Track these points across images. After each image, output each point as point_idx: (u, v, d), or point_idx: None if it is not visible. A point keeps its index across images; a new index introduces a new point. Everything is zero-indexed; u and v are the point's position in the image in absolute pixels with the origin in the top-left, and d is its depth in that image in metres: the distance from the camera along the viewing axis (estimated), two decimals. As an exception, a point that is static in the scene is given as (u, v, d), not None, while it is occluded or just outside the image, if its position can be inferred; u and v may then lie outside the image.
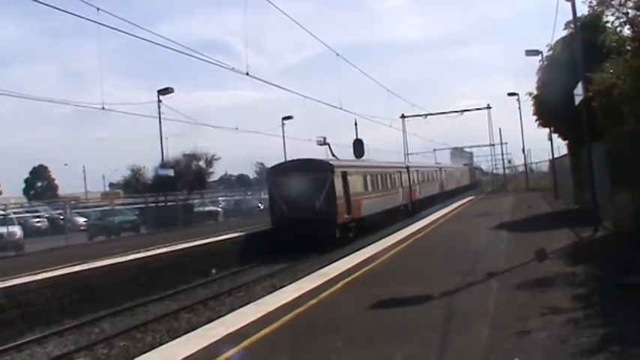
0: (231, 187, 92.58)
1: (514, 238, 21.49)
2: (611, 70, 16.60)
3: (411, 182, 55.49)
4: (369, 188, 41.96)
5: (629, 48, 16.32)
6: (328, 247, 30.63)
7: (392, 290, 13.39)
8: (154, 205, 48.98)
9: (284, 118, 65.67)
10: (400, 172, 52.59)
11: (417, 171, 60.83)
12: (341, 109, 52.90)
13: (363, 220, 38.73)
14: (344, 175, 36.35)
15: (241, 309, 13.62)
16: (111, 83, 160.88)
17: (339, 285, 14.90)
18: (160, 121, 46.04)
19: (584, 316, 9.64)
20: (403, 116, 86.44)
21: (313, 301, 13.07)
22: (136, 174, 57.50)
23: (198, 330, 11.96)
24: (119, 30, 26.73)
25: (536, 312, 10.11)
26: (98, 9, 24.37)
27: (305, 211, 32.50)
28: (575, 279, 12.98)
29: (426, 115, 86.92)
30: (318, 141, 67.06)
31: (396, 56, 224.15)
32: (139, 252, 25.07)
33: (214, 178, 77.74)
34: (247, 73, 34.23)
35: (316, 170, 34.81)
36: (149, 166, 56.71)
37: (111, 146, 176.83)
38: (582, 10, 21.58)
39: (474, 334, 9.11)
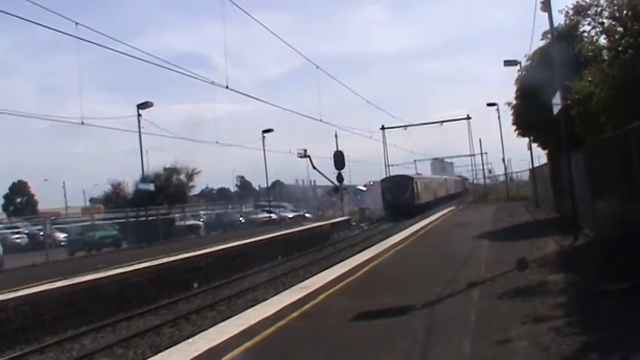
0: (213, 201, 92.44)
1: (495, 248, 21.54)
2: (589, 79, 16.71)
3: (436, 187, 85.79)
4: (423, 189, 73.22)
5: (605, 57, 16.44)
6: (409, 215, 55.60)
7: (374, 302, 13.36)
8: (134, 219, 48.73)
9: (264, 131, 65.64)
10: (432, 181, 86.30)
11: (436, 180, 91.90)
12: (321, 121, 53.06)
13: (421, 204, 67.07)
14: (416, 183, 69.04)
15: (223, 323, 13.50)
16: (90, 98, 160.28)
17: (320, 297, 14.89)
18: (139, 136, 45.90)
19: (565, 324, 9.66)
20: (383, 127, 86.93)
21: (295, 314, 13.06)
22: (117, 189, 57.25)
23: (180, 345, 11.85)
24: (97, 44, 26.67)
25: (518, 321, 10.12)
26: (77, 23, 24.31)
27: (399, 199, 64.34)
28: (556, 287, 13.01)
29: (406, 126, 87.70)
30: (298, 153, 67.35)
31: (375, 68, 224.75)
32: (121, 267, 24.90)
33: (195, 191, 77.67)
34: (227, 87, 34.26)
35: (405, 179, 69.09)
36: (129, 181, 56.56)
37: (91, 161, 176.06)
38: (559, 19, 21.75)
39: (456, 345, 9.11)
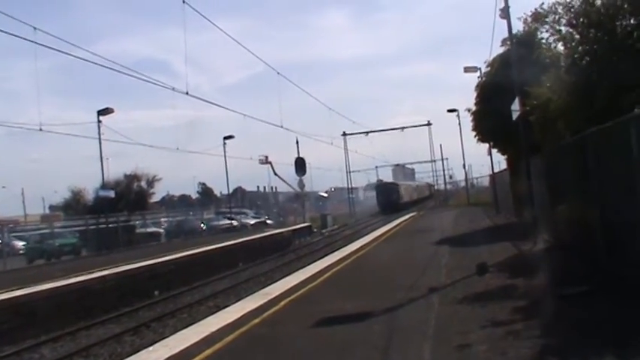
0: (174, 208, 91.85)
1: (456, 253, 21.63)
2: (547, 85, 16.89)
3: (412, 191, 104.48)
4: (404, 192, 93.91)
5: (562, 64, 16.64)
6: (396, 210, 74.48)
7: (334, 308, 13.35)
8: (94, 227, 48.31)
9: (225, 138, 65.39)
10: (409, 186, 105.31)
11: (412, 185, 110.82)
12: (282, 127, 52.97)
13: (402, 203, 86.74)
14: (399, 187, 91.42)
15: (184, 330, 13.44)
16: (48, 103, 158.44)
17: (282, 303, 14.83)
18: (100, 142, 45.46)
19: (523, 327, 9.73)
20: (345, 134, 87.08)
21: (256, 321, 12.98)
22: (77, 195, 56.71)
23: (141, 353, 11.78)
24: (56, 49, 26.38)
25: (477, 325, 10.18)
26: (35, 28, 24.03)
27: (389, 199, 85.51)
28: (515, 291, 13.14)
29: (367, 132, 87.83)
30: (260, 160, 67.15)
31: (337, 74, 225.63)
32: (80, 275, 24.60)
33: (156, 198, 77.11)
34: (187, 93, 34.04)
35: (393, 185, 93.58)
36: (89, 188, 56.03)
37: (50, 168, 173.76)
38: (519, 26, 22.00)
39: (415, 350, 9.12)
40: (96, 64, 37.19)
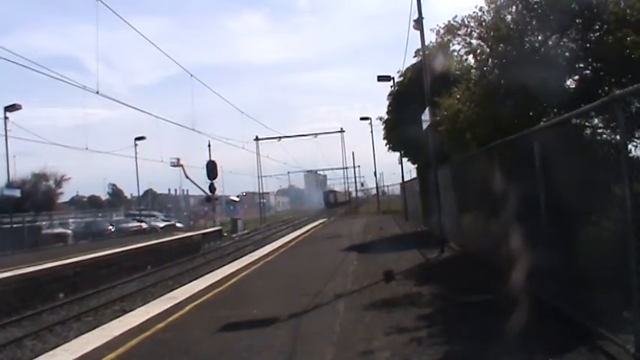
0: (83, 209, 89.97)
1: (363, 260, 21.78)
2: (457, 96, 17.13)
3: (339, 196, 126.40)
4: (339, 196, 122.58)
5: (472, 77, 16.91)
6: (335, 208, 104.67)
7: (240, 313, 13.29)
8: (-2, 227, 46.92)
9: (136, 139, 64.49)
10: (339, 192, 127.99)
11: (340, 192, 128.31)
12: (193, 130, 52.48)
13: (337, 203, 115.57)
14: (336, 193, 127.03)
15: (87, 334, 13.13)
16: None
17: (187, 308, 14.68)
18: (6, 139, 44.21)
19: (427, 334, 9.85)
20: (257, 138, 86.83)
21: (161, 325, 12.80)
22: (-19, 194, 54.96)
23: (41, 357, 11.43)
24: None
25: (382, 332, 10.25)
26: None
27: (331, 200, 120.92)
28: (421, 299, 13.28)
29: (280, 137, 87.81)
30: (171, 162, 66.44)
31: (251, 78, 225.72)
32: (-20, 276, 23.79)
33: (65, 199, 75.32)
34: (97, 92, 33.35)
35: (333, 191, 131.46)
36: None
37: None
38: (432, 38, 22.29)
39: (319, 355, 9.13)
40: (3, 59, 36.12)
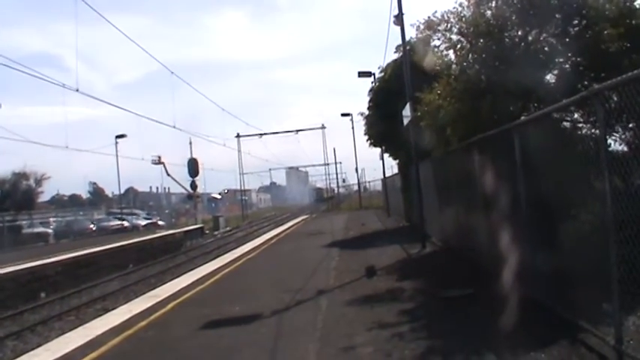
0: (64, 208, 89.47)
1: (345, 256, 21.79)
2: (438, 92, 17.14)
3: (324, 192, 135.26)
4: (324, 192, 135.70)
5: (453, 72, 16.92)
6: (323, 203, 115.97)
7: (223, 310, 13.27)
8: (-23, 226, 46.59)
9: (117, 137, 64.20)
10: (323, 189, 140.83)
11: (324, 188, 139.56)
12: (174, 127, 52.17)
13: (324, 198, 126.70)
14: (322, 190, 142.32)
15: (69, 333, 13.11)
16: None
17: (170, 306, 14.63)
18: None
19: (409, 329, 9.88)
20: (238, 135, 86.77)
21: (143, 323, 12.75)
22: (-40, 193, 54.58)
23: (22, 358, 11.37)
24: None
25: (364, 327, 10.27)
26: None
27: (319, 196, 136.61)
28: (403, 294, 13.32)
29: (261, 134, 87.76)
30: (152, 160, 66.18)
31: (234, 75, 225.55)
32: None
33: (45, 198, 74.86)
34: (77, 90, 33.16)
35: (320, 189, 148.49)
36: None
37: None
38: (412, 33, 22.28)
39: (302, 352, 9.12)
40: (-19, 56, 35.85)
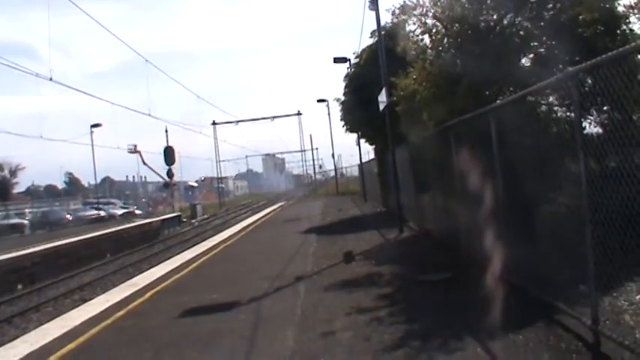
0: (39, 198, 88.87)
1: (323, 242, 21.80)
2: (414, 76, 17.14)
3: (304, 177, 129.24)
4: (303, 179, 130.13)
5: (428, 57, 16.92)
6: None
7: (201, 298, 13.25)
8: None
9: (92, 126, 63.77)
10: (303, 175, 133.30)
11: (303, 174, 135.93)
12: (149, 115, 51.82)
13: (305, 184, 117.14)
14: (301, 177, 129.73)
15: (46, 325, 13.00)
16: None
17: (148, 295, 14.59)
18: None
19: (387, 314, 9.93)
20: (214, 123, 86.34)
21: (121, 313, 12.72)
22: None
23: None
24: None
25: (342, 312, 10.31)
26: None
27: (300, 182, 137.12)
28: (381, 279, 13.36)
29: (237, 121, 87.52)
30: (128, 149, 65.84)
31: (207, 62, 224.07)
32: None
33: (20, 189, 74.29)
34: (51, 79, 32.91)
35: (300, 175, 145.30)
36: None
37: None
38: (388, 18, 22.24)
39: (281, 338, 9.12)
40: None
